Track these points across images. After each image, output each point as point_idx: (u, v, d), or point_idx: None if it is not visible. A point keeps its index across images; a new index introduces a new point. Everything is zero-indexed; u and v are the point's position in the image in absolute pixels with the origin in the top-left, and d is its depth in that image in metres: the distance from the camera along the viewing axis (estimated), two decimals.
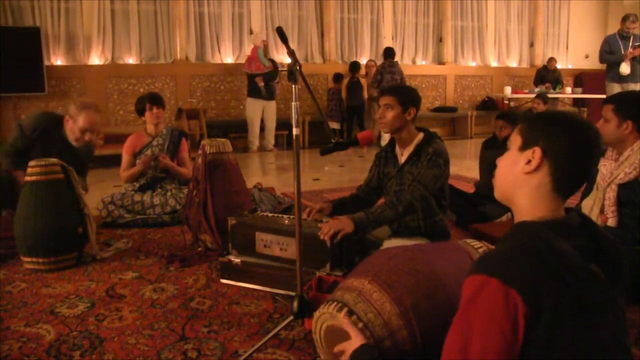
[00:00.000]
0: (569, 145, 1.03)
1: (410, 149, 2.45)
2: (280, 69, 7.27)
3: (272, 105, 7.40)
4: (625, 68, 6.17)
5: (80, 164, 3.16)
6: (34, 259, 2.63)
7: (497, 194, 1.14)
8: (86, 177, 3.41)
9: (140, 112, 3.67)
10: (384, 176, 2.59)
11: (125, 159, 3.70)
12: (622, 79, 6.23)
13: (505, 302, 0.88)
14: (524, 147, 1.06)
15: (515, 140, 1.10)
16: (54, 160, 2.73)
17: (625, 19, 6.33)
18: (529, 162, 1.04)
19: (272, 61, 7.32)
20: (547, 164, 1.03)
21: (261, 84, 7.12)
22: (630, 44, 6.22)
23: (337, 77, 8.09)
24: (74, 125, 3.06)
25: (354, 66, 8.03)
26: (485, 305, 0.90)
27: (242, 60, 7.62)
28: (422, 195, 2.31)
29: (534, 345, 0.88)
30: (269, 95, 7.26)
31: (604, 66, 6.60)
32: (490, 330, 0.88)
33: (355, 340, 1.32)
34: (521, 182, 1.06)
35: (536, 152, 1.03)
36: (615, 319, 0.98)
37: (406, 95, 2.43)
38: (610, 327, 0.97)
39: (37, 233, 2.60)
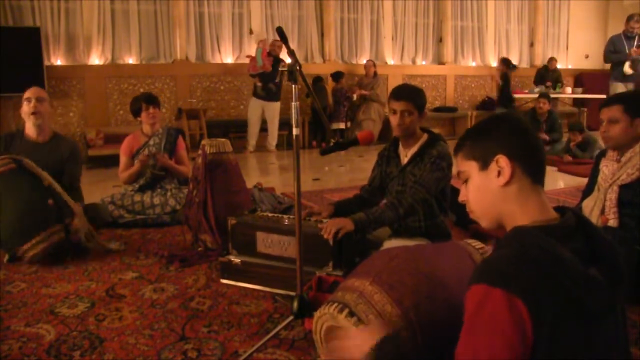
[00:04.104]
0: (518, 136, 1.05)
1: (414, 149, 2.44)
2: (280, 69, 7.23)
3: (273, 107, 7.25)
4: (628, 67, 6.19)
5: (62, 165, 3.23)
6: (24, 247, 2.64)
7: (486, 222, 1.12)
8: (76, 183, 3.38)
9: (136, 113, 3.67)
10: (386, 176, 2.58)
11: (123, 160, 3.69)
12: (625, 78, 6.25)
13: (511, 312, 0.85)
14: (484, 165, 1.07)
15: (469, 165, 1.10)
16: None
17: (629, 18, 6.35)
18: (498, 174, 1.04)
19: (276, 60, 7.10)
20: (516, 164, 1.03)
21: (259, 83, 7.08)
22: (635, 43, 6.23)
23: (337, 76, 7.98)
24: (23, 107, 3.20)
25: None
26: (491, 317, 0.87)
27: (242, 61, 7.62)
28: (423, 198, 2.30)
29: (537, 353, 0.86)
30: (267, 96, 7.14)
31: (604, 66, 6.64)
32: (498, 343, 0.86)
33: (357, 335, 1.21)
34: (503, 196, 1.05)
35: (501, 160, 1.03)
36: (614, 323, 0.97)
37: (421, 99, 2.40)
38: (611, 331, 0.96)
39: (10, 223, 2.65)
